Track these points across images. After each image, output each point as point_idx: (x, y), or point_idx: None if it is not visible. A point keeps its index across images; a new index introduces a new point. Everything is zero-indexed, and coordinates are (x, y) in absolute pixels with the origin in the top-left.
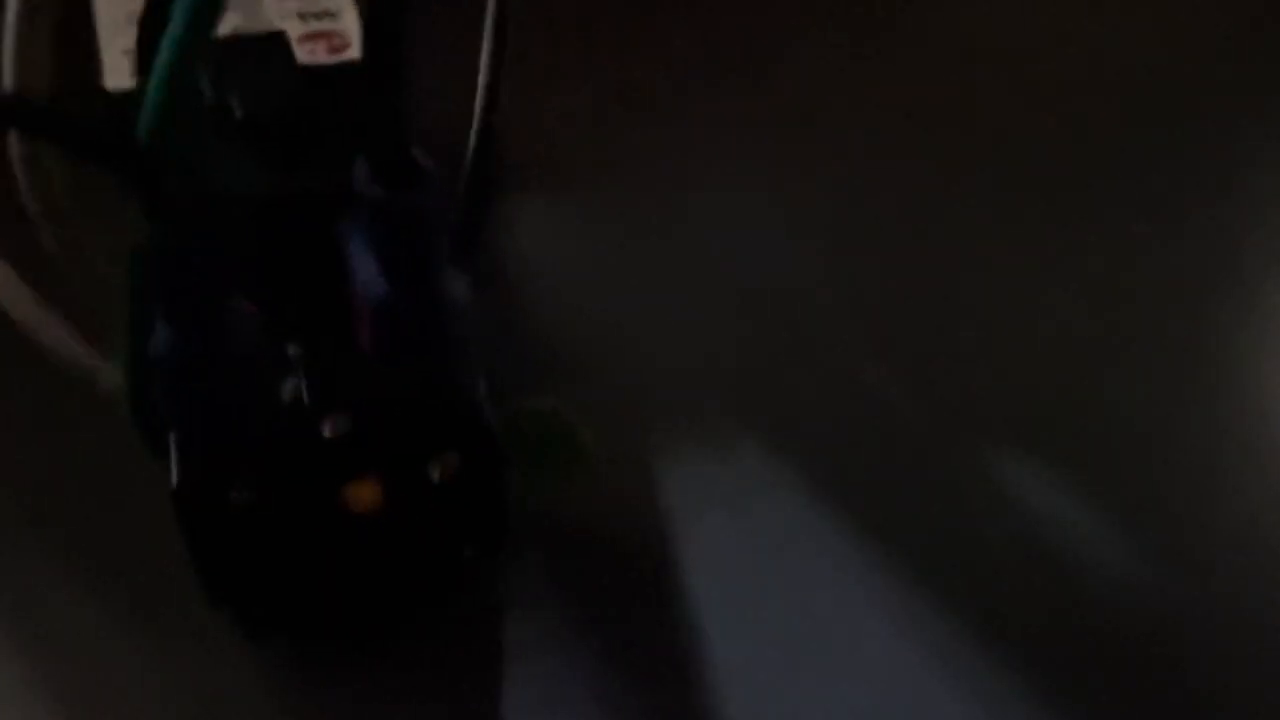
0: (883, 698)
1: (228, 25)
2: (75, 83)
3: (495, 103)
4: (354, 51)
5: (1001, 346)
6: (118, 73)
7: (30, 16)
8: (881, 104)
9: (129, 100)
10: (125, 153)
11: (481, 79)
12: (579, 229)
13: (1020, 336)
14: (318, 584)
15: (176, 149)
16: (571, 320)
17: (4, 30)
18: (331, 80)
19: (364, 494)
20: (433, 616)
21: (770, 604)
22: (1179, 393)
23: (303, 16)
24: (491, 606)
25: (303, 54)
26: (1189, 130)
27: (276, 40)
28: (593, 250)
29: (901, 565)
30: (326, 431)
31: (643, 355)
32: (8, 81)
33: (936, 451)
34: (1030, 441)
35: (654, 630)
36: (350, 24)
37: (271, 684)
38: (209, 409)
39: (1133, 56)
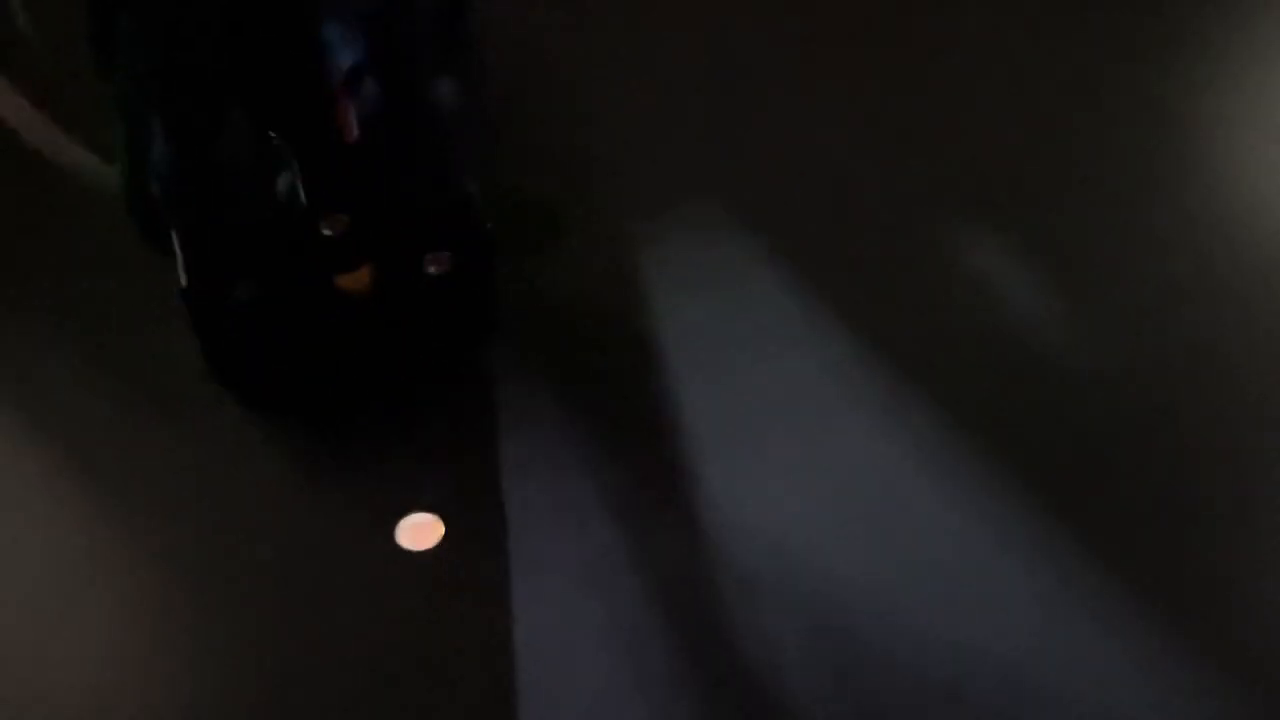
0: (844, 465)
1: None
2: None
3: None
4: None
5: (975, 132)
6: None
7: None
8: None
9: None
10: None
11: None
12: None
13: (994, 122)
14: (319, 364)
15: None
16: (559, 107)
17: None
18: None
19: (356, 278)
20: (429, 391)
21: (744, 378)
22: (1151, 185)
23: None
24: (483, 381)
25: None
26: None
27: None
28: (580, 40)
29: (867, 339)
30: (326, 230)
31: (628, 143)
32: None
33: (904, 232)
34: (997, 225)
35: (636, 400)
36: None
37: (279, 450)
38: (210, 213)
39: None
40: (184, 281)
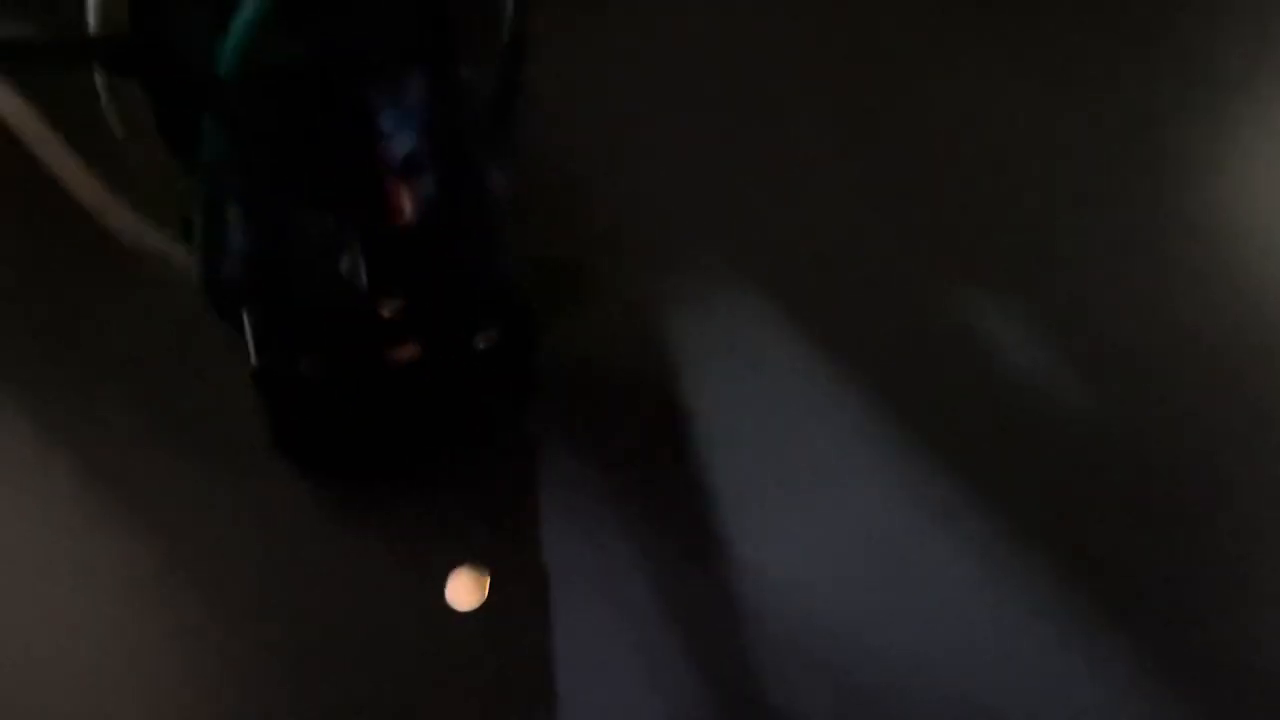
0: (870, 528)
1: None
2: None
3: (526, 9)
4: None
5: (1006, 196)
6: None
7: None
8: None
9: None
10: (207, 88)
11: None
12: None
13: (985, 162)
14: (373, 432)
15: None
16: (589, 171)
17: None
18: None
19: (406, 351)
20: (474, 456)
21: (770, 441)
22: (1134, 221)
23: None
24: (524, 447)
25: None
26: None
27: None
28: (606, 104)
29: (889, 402)
30: (385, 312)
31: (657, 206)
32: (93, 24)
33: (927, 295)
34: (984, 262)
35: (667, 463)
36: None
37: (332, 512)
38: (281, 296)
39: None
40: (254, 359)
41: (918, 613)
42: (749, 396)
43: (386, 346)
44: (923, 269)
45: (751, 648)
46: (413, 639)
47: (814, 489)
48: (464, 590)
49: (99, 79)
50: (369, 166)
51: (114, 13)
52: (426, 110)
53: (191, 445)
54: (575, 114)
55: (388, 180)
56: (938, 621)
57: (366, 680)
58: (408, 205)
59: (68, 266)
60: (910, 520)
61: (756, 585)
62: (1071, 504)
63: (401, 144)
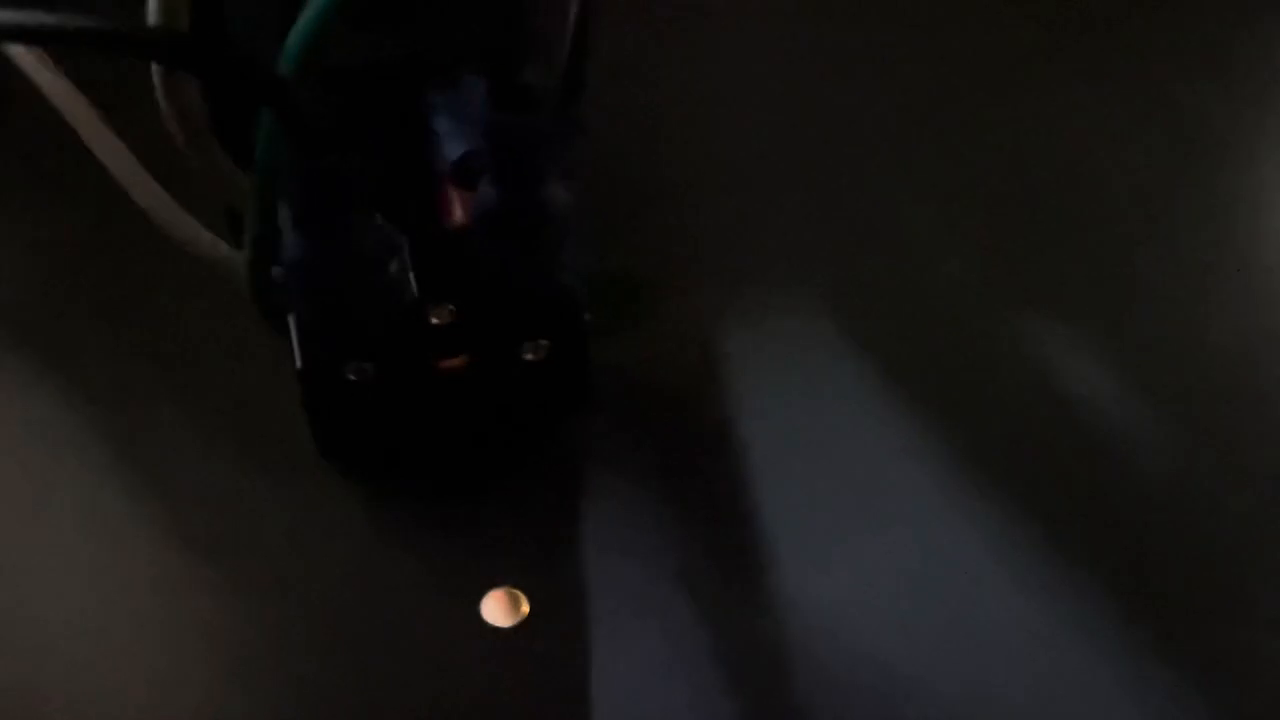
0: (915, 558)
1: None
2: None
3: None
4: None
5: (1057, 213)
6: None
7: None
8: None
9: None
10: (270, 87)
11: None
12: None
13: (1079, 199)
14: (418, 439)
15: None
16: (638, 181)
17: None
18: None
19: (455, 360)
20: (519, 468)
21: (819, 466)
22: (1209, 260)
23: None
24: (570, 460)
25: None
26: None
27: None
28: (674, 116)
29: (941, 433)
30: (434, 319)
31: (719, 222)
32: (152, 18)
33: (986, 324)
34: (1051, 289)
35: (715, 478)
36: None
37: (374, 520)
38: (330, 301)
39: None
40: (299, 362)
41: (969, 649)
42: (803, 420)
43: (436, 354)
44: (987, 294)
45: (793, 675)
46: (447, 653)
47: (865, 517)
48: (502, 606)
49: (156, 76)
50: (421, 169)
51: (175, 5)
52: (485, 114)
53: (239, 449)
54: (641, 128)
55: (441, 184)
56: (990, 659)
57: (396, 693)
58: (459, 210)
59: (129, 255)
60: (964, 553)
61: (802, 612)
62: (1137, 543)
63: (455, 147)
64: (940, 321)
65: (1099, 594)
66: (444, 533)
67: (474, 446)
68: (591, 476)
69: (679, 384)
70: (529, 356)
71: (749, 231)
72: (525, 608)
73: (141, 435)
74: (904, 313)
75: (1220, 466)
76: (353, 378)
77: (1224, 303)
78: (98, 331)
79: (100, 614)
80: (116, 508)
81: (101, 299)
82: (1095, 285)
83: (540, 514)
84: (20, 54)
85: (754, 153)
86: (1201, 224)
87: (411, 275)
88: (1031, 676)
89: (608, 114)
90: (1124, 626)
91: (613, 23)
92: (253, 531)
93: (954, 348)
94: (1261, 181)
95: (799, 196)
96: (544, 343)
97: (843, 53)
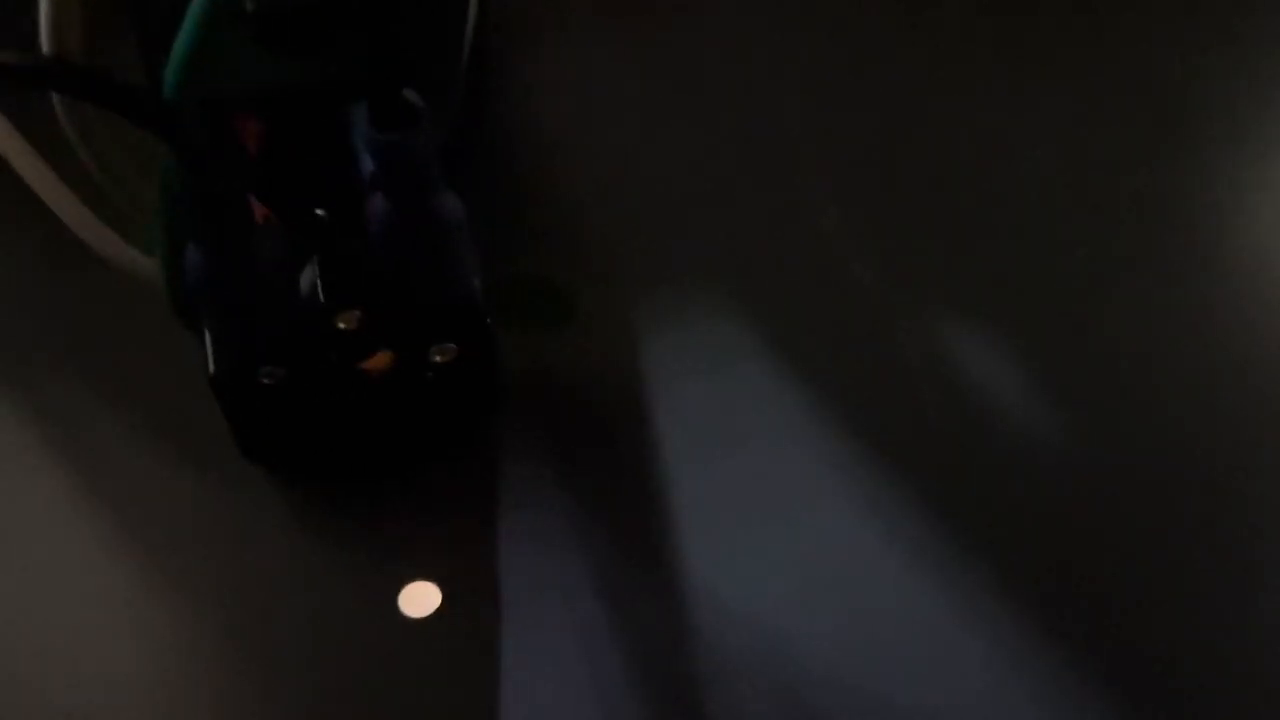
0: (823, 554)
1: None
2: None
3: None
4: None
5: (971, 217)
6: None
7: None
8: None
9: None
10: (153, 109)
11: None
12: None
13: (992, 203)
14: (335, 440)
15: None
16: (560, 188)
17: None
18: None
19: (377, 361)
20: (436, 465)
21: (734, 465)
22: (1138, 267)
23: None
24: (486, 457)
25: None
26: None
27: None
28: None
29: (854, 434)
30: (340, 324)
31: (639, 225)
32: (46, 46)
33: (901, 326)
34: (981, 310)
35: (629, 482)
36: None
37: (296, 516)
38: (237, 310)
39: None
40: (212, 369)
41: (868, 639)
42: (721, 421)
43: (350, 356)
44: (903, 295)
45: (699, 667)
46: (365, 642)
47: (778, 515)
48: (418, 597)
49: (56, 100)
50: (340, 184)
51: (66, 35)
52: (374, 135)
53: (167, 448)
54: (570, 138)
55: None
56: (889, 650)
57: (314, 679)
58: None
59: (53, 268)
60: (864, 546)
61: (710, 606)
62: (1040, 535)
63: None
64: (866, 326)
65: (999, 586)
66: (363, 526)
67: (391, 445)
68: (505, 472)
69: (595, 383)
70: (438, 359)
71: (666, 234)
72: (439, 600)
73: (83, 440)
74: (830, 320)
75: (1134, 466)
76: (266, 381)
77: (1148, 306)
78: (19, 330)
79: (24, 617)
80: (40, 509)
81: (20, 298)
82: (1012, 286)
83: (455, 509)
84: None
85: (672, 156)
86: (1129, 224)
87: (319, 284)
88: (927, 665)
89: (526, 124)
90: (1030, 618)
91: (534, 33)
92: (175, 527)
93: (866, 348)
94: (1198, 180)
95: (729, 209)
96: (450, 345)
97: (767, 54)
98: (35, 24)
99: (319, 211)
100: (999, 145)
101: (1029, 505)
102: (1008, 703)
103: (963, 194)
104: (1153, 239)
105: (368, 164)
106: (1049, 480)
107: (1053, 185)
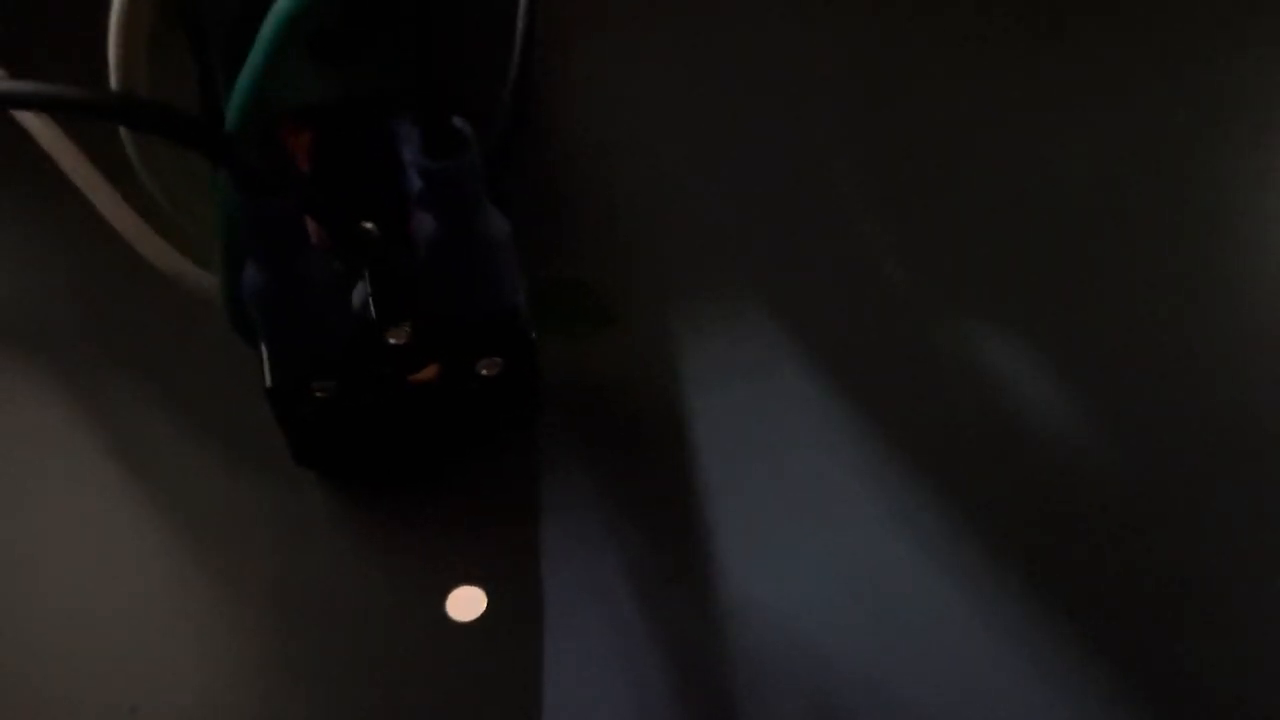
0: (854, 557)
1: None
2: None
3: (530, 60)
4: None
5: (1008, 222)
6: None
7: (129, 22)
8: None
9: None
10: (218, 142)
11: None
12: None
13: (1029, 208)
14: (383, 448)
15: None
16: (599, 192)
17: (109, 35)
18: None
19: (427, 373)
20: (479, 471)
21: (767, 469)
22: (1175, 272)
23: None
24: (527, 463)
25: None
26: None
27: None
28: (632, 130)
29: (888, 438)
30: (391, 339)
31: (665, 227)
32: (114, 82)
33: (934, 331)
34: (1018, 318)
35: (665, 487)
36: None
37: (344, 520)
38: (292, 326)
39: None
40: (269, 381)
41: (906, 651)
42: (754, 425)
43: (402, 369)
44: (943, 301)
45: (732, 667)
46: (411, 645)
47: (814, 520)
48: (463, 601)
49: (124, 134)
50: (389, 198)
51: (133, 71)
52: (424, 162)
53: (224, 451)
54: (600, 143)
55: (403, 217)
56: (926, 662)
57: (361, 682)
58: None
59: (126, 283)
60: (904, 557)
61: (744, 609)
62: (1079, 547)
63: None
64: (890, 328)
65: (1036, 597)
66: (411, 532)
67: (437, 452)
68: (548, 480)
69: (634, 391)
70: (484, 372)
71: (705, 239)
72: (484, 604)
73: (124, 438)
74: (855, 320)
75: (1172, 475)
76: (319, 394)
77: (1191, 315)
78: (91, 344)
79: (84, 614)
80: (101, 509)
81: (87, 309)
82: (1050, 293)
83: (500, 515)
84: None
85: (710, 162)
86: (1166, 227)
87: (370, 300)
88: (958, 672)
89: (567, 128)
90: (1060, 628)
91: (572, 37)
92: (227, 531)
93: (907, 355)
94: (1232, 184)
95: (762, 214)
96: (495, 359)
97: (809, 58)
98: (105, 61)
99: (368, 225)
100: (1033, 148)
101: (1063, 514)
102: (1038, 710)
103: (1000, 199)
104: (1196, 245)
105: (414, 180)
106: (1085, 489)
107: (1090, 190)
